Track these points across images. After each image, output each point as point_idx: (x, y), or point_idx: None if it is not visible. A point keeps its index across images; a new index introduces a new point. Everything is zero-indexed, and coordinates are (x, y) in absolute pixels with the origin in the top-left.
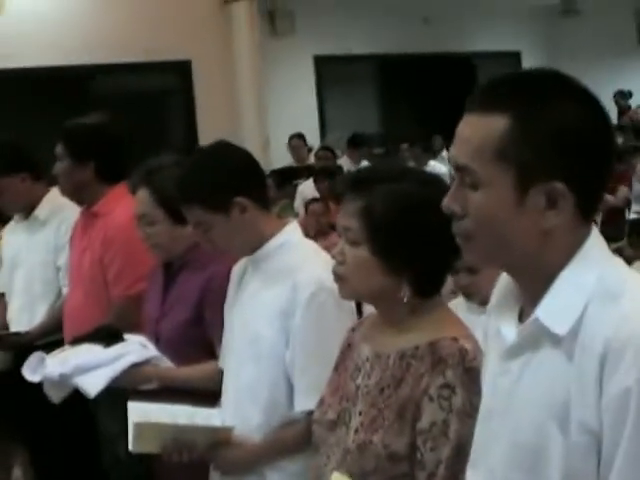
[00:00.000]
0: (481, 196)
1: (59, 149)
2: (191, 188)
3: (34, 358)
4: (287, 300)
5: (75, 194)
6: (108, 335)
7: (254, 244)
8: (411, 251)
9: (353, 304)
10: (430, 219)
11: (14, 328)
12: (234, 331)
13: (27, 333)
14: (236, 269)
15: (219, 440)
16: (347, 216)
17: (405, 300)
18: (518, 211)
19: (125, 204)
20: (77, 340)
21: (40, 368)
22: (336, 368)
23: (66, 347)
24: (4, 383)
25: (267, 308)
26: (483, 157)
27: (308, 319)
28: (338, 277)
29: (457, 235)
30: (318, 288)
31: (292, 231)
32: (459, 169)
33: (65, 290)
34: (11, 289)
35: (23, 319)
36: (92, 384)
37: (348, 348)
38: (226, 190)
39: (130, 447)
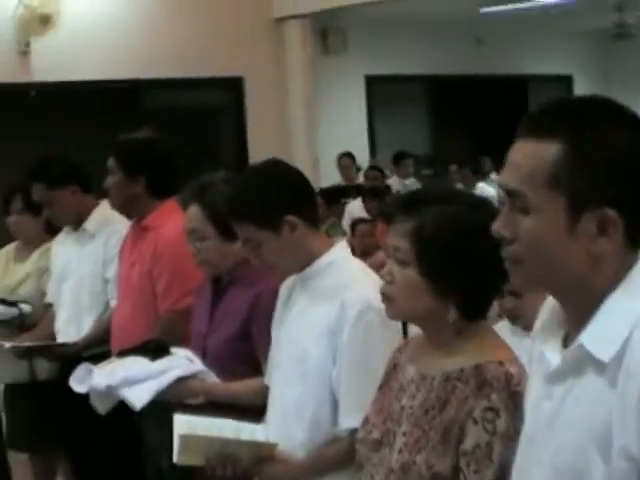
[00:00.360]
0: (531, 221)
1: (111, 163)
2: (242, 205)
3: (82, 369)
4: (335, 318)
5: (126, 207)
6: (155, 348)
7: (303, 262)
8: (459, 273)
9: (400, 324)
10: (479, 242)
11: (61, 339)
12: (281, 348)
13: (74, 344)
14: (284, 286)
15: (263, 455)
16: (397, 236)
17: (452, 322)
18: (568, 237)
19: (175, 219)
20: (124, 352)
21: (87, 379)
22: (381, 388)
23: (113, 359)
24: (50, 393)
25: (314, 326)
26: (534, 183)
27: (355, 338)
28: (386, 297)
29: (506, 259)
30: (366, 307)
31: (341, 250)
32: (510, 194)
33: (112, 302)
34: (59, 300)
35: (70, 330)
36: (138, 397)
37: (394, 368)
38: (277, 208)
39: (174, 459)
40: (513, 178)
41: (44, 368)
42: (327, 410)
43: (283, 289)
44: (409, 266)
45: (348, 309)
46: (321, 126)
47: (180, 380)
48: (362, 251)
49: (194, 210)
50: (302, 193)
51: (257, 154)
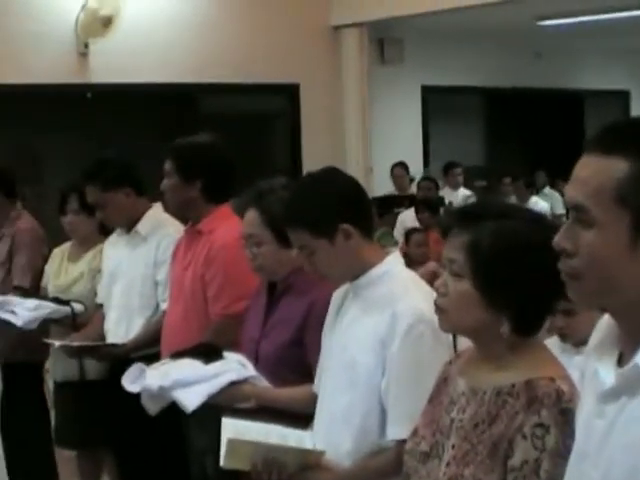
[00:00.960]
0: (594, 236)
1: (168, 166)
2: (298, 212)
3: (134, 369)
4: (386, 329)
5: (180, 211)
6: (208, 352)
7: (356, 271)
8: (514, 288)
9: (450, 337)
10: (535, 258)
11: (111, 339)
12: (331, 356)
13: (123, 345)
14: (336, 295)
15: (309, 463)
16: (453, 249)
17: (504, 337)
18: (629, 254)
19: (229, 224)
20: (178, 354)
21: (140, 379)
22: (431, 400)
23: (167, 360)
24: (99, 392)
25: (365, 335)
26: (600, 198)
27: (405, 349)
28: (439, 309)
29: (564, 273)
30: (417, 319)
31: (394, 261)
32: (575, 208)
33: (163, 305)
34: (109, 301)
35: (120, 331)
36: (190, 399)
37: (444, 381)
38: (332, 216)
39: (221, 463)
40: (579, 192)
41: (94, 368)
42: (375, 420)
43: (335, 298)
44: (464, 279)
45: (399, 320)
46: (375, 135)
47: (233, 384)
48: (415, 260)
49: (252, 215)
50: (358, 202)
51: (311, 161)
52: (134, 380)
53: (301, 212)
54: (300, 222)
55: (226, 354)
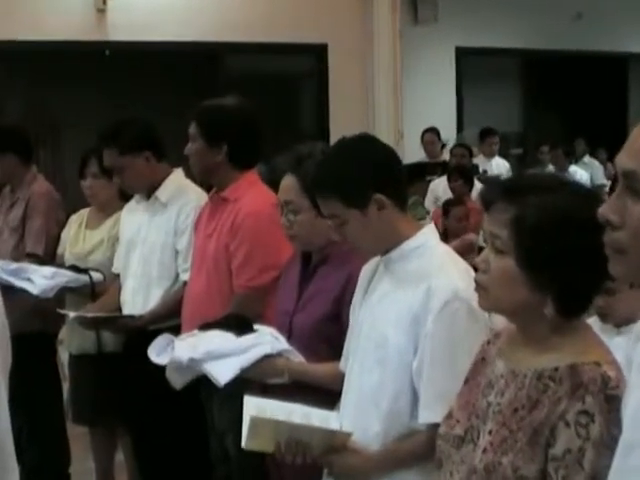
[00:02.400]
0: None
1: (192, 129)
2: (330, 179)
3: (162, 340)
4: (419, 306)
5: (205, 177)
6: (239, 324)
7: (388, 244)
8: (560, 267)
9: (487, 316)
10: (583, 235)
11: (127, 311)
12: (360, 333)
13: (140, 317)
14: (366, 268)
15: (335, 445)
16: (496, 224)
17: (548, 317)
18: None
19: (256, 191)
20: (207, 326)
21: (167, 351)
22: (467, 382)
23: (195, 332)
24: (113, 366)
25: (397, 312)
26: None
27: (439, 327)
28: (479, 286)
29: (608, 246)
30: (453, 296)
31: (429, 234)
32: (625, 175)
33: (183, 276)
34: (126, 270)
35: (137, 302)
36: (222, 372)
37: (482, 362)
38: (366, 185)
39: (243, 444)
40: (630, 158)
41: (111, 340)
42: (406, 401)
43: (365, 271)
44: (507, 255)
45: (434, 297)
46: (406, 100)
47: (266, 358)
48: (454, 233)
49: (290, 181)
50: (393, 172)
51: (338, 125)
52: (161, 351)
53: (333, 180)
54: (332, 190)
55: (257, 327)
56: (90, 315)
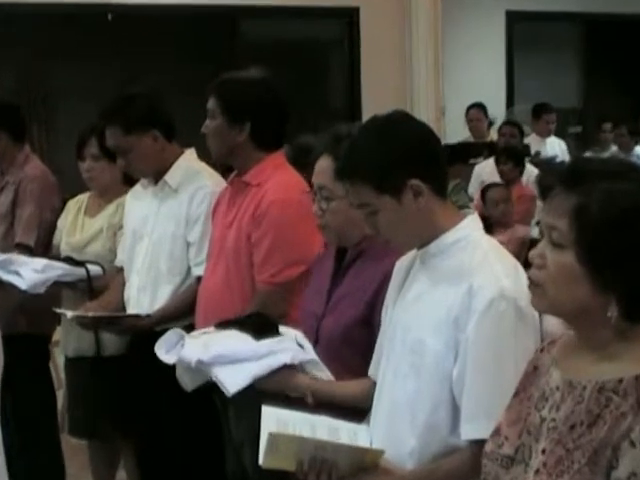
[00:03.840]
0: None
1: (212, 105)
2: (360, 162)
3: (171, 335)
4: (460, 306)
5: (225, 158)
6: (262, 324)
7: (425, 236)
8: (628, 264)
9: (537, 318)
10: None
11: (132, 309)
12: (394, 337)
13: (147, 317)
14: (401, 264)
15: (365, 463)
16: (555, 214)
17: (612, 321)
18: None
19: (282, 175)
20: (224, 324)
21: (177, 348)
22: (517, 394)
23: (210, 329)
24: (117, 370)
25: (435, 313)
26: None
27: (483, 331)
28: (534, 284)
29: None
30: (498, 295)
31: (472, 225)
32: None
33: (196, 270)
34: (132, 264)
35: (144, 300)
36: (233, 380)
37: (534, 371)
38: (400, 169)
39: (260, 461)
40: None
41: (112, 342)
42: (445, 414)
43: (399, 268)
44: (566, 250)
45: (477, 296)
46: (449, 71)
47: (285, 368)
48: (495, 221)
49: (326, 163)
50: (432, 155)
51: (371, 100)
52: (170, 348)
53: (363, 163)
54: (361, 175)
55: (283, 329)
56: (91, 314)
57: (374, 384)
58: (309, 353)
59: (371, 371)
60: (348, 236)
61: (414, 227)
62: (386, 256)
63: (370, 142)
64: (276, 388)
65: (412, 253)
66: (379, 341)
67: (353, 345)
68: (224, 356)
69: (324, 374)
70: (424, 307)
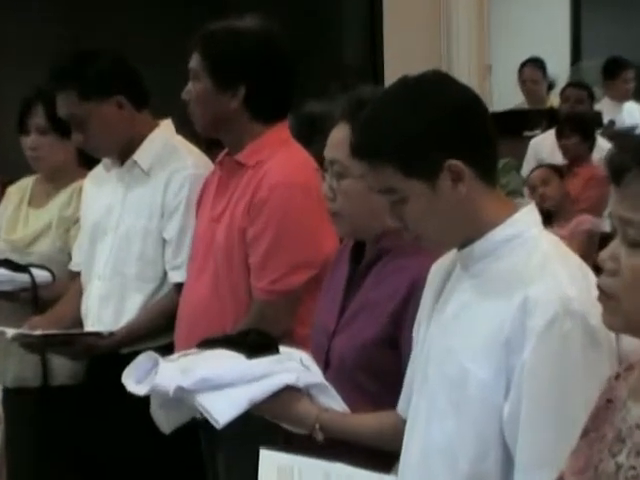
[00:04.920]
0: None
1: (195, 63)
2: (385, 136)
3: (143, 360)
4: (513, 324)
5: (213, 131)
6: (257, 342)
7: (466, 233)
8: None
9: (613, 339)
10: None
11: (91, 326)
12: (429, 361)
13: (111, 335)
14: (437, 268)
15: None
16: (630, 204)
17: None
18: None
19: (286, 153)
20: (210, 343)
21: (150, 377)
22: (586, 433)
23: (193, 350)
24: (69, 405)
25: (480, 333)
26: None
27: (542, 357)
28: (606, 295)
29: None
30: (562, 311)
31: (527, 219)
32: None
33: (174, 275)
34: (91, 268)
35: (106, 313)
36: (222, 408)
37: (607, 405)
38: (437, 147)
39: None
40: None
41: (64, 369)
42: (494, 461)
43: (434, 273)
44: None
45: (534, 312)
46: (496, 18)
47: (288, 390)
48: (554, 211)
49: (342, 133)
50: (477, 129)
51: (397, 57)
52: (142, 378)
53: (387, 137)
54: (385, 153)
55: (285, 350)
56: (38, 333)
57: (403, 422)
58: (317, 375)
59: (400, 407)
60: (365, 227)
61: (452, 221)
62: (415, 257)
63: (397, 110)
64: (277, 417)
65: (452, 255)
66: (410, 368)
67: (372, 371)
68: (210, 380)
69: (336, 403)
70: (467, 325)
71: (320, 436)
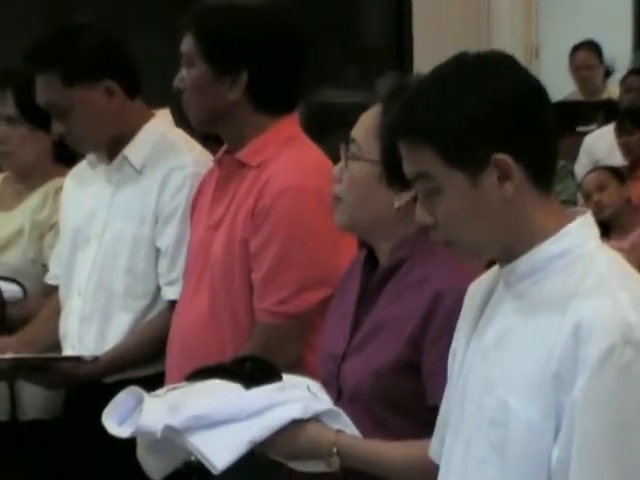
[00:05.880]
0: None
1: (188, 46)
2: (429, 115)
3: (126, 396)
4: (562, 355)
5: (209, 125)
6: (254, 369)
7: (509, 244)
8: None
9: None
10: None
11: (70, 349)
12: (465, 397)
13: (94, 360)
14: (476, 288)
15: None
16: None
17: None
18: None
19: (295, 151)
20: (202, 373)
21: (133, 415)
22: None
23: (182, 383)
24: (43, 443)
25: (525, 364)
26: None
27: (597, 393)
28: None
29: None
30: (621, 339)
31: (582, 231)
32: None
33: (168, 292)
34: (71, 282)
35: (88, 335)
36: (219, 450)
37: None
38: (488, 137)
39: None
40: None
41: (36, 399)
42: None
43: (474, 291)
44: None
45: (587, 339)
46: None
47: (295, 424)
48: (611, 219)
49: (371, 113)
50: (536, 124)
51: (427, 38)
52: (124, 417)
53: (434, 116)
54: (428, 131)
55: (286, 377)
56: (6, 357)
57: (435, 467)
58: (325, 402)
59: (432, 451)
60: (363, 223)
61: (491, 226)
62: (436, 268)
63: (449, 88)
64: (283, 452)
65: (493, 272)
66: (444, 404)
67: (389, 401)
68: (203, 417)
69: (351, 432)
70: (509, 354)
71: (336, 464)
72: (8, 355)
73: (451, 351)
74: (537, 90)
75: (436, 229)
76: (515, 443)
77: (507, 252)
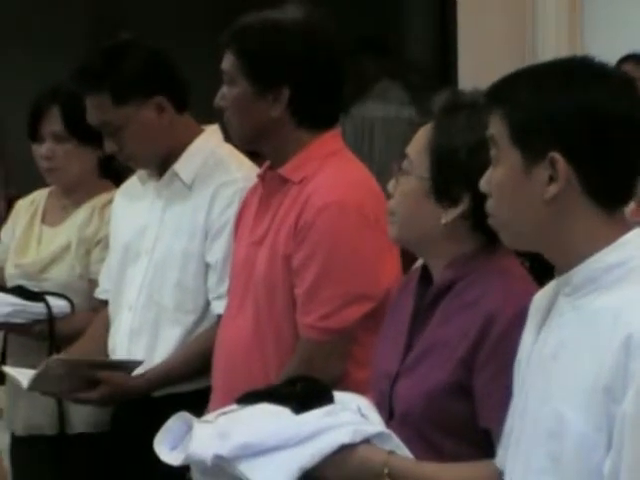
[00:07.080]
0: None
1: (229, 64)
2: (518, 95)
3: (175, 423)
4: (613, 367)
5: (252, 142)
6: (305, 392)
7: (568, 255)
8: None
9: None
10: None
11: None
12: (526, 409)
13: (143, 375)
14: (539, 298)
15: None
16: None
17: None
18: None
19: (337, 166)
20: (251, 397)
21: (184, 441)
22: None
23: (230, 407)
24: (90, 457)
25: (579, 376)
26: None
27: None
28: None
29: None
30: None
31: (638, 241)
32: None
33: (217, 306)
34: (121, 297)
35: (137, 349)
36: (270, 478)
37: None
38: (557, 135)
39: None
40: None
41: (84, 413)
42: None
43: (537, 303)
44: None
45: (638, 352)
46: (591, 5)
47: (344, 450)
48: None
49: (425, 128)
50: (609, 142)
51: (471, 51)
52: (175, 443)
53: (518, 96)
54: (507, 104)
55: (340, 396)
56: (62, 357)
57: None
58: (377, 425)
59: (499, 458)
60: (412, 237)
61: (531, 218)
62: (490, 288)
63: (551, 79)
64: (332, 476)
65: (552, 284)
66: (510, 414)
67: (441, 423)
68: (252, 445)
69: (403, 453)
70: (565, 367)
71: None
72: (76, 355)
73: (516, 362)
74: (631, 120)
75: (489, 199)
76: (570, 455)
77: (553, 256)
